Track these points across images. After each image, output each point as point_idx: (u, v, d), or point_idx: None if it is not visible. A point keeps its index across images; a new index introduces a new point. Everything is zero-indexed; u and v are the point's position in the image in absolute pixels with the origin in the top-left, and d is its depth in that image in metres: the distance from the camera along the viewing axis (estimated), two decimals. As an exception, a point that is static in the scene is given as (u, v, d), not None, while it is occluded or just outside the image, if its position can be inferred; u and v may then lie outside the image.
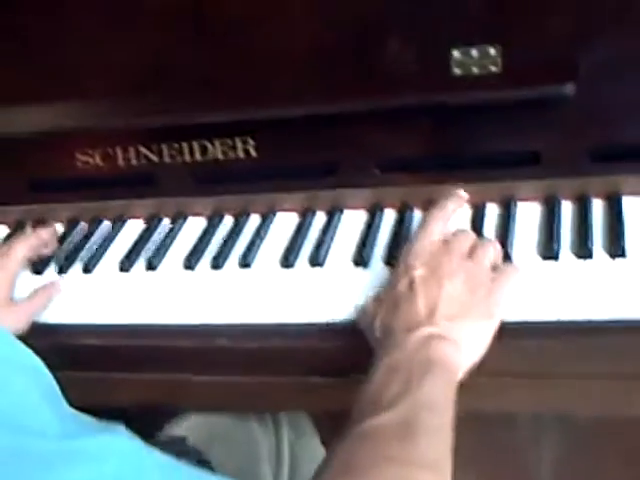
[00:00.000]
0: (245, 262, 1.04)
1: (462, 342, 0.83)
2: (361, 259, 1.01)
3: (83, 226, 1.19)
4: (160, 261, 1.08)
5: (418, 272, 0.88)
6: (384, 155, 1.07)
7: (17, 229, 1.20)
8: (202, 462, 1.05)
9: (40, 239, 1.11)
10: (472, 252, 0.91)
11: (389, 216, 1.08)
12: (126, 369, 1.02)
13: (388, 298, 0.89)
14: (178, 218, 1.16)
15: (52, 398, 0.62)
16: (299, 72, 1.06)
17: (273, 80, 1.07)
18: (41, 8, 1.11)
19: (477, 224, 1.02)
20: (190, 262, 1.06)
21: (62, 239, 1.17)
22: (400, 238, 1.03)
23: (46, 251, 1.13)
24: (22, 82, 1.14)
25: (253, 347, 0.97)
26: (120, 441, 0.59)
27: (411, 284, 0.88)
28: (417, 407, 0.76)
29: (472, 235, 0.95)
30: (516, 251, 0.97)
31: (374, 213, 1.08)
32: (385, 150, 1.07)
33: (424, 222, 0.98)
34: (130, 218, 1.18)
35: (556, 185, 1.03)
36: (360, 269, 1.00)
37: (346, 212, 1.10)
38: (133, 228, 1.17)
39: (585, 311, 0.88)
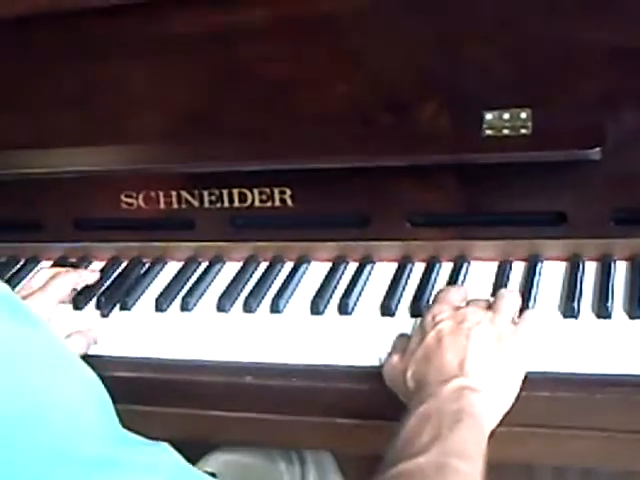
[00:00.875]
0: (276, 308, 1.08)
1: (493, 393, 0.86)
2: (388, 310, 1.04)
3: (124, 265, 1.24)
4: (195, 303, 1.13)
5: (445, 325, 0.91)
6: (415, 209, 1.11)
7: (60, 265, 1.25)
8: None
9: (80, 277, 1.16)
10: (494, 304, 0.95)
11: (418, 269, 1.12)
12: (158, 402, 1.06)
13: (418, 352, 0.91)
14: (215, 262, 1.20)
15: (106, 408, 0.64)
16: (337, 127, 1.12)
17: (312, 134, 1.12)
18: (96, 55, 1.18)
19: (501, 280, 1.06)
20: (223, 305, 1.10)
21: (102, 277, 1.22)
22: (427, 291, 1.07)
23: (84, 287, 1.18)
24: (73, 125, 1.20)
25: (279, 386, 1.00)
26: (170, 456, 0.62)
27: (439, 337, 0.90)
28: (448, 453, 0.78)
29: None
30: (538, 308, 1.00)
31: (404, 265, 1.12)
32: (416, 205, 1.11)
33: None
34: (170, 260, 1.23)
35: (581, 245, 1.06)
36: (387, 319, 1.04)
37: (377, 263, 1.14)
38: (171, 270, 1.22)
39: (602, 365, 0.90)
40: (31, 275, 1.22)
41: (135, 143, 1.18)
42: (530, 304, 1.00)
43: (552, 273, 1.06)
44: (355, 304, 1.07)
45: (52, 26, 1.16)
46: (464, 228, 1.10)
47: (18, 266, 1.29)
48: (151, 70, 1.17)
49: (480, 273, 1.09)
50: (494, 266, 1.09)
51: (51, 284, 1.12)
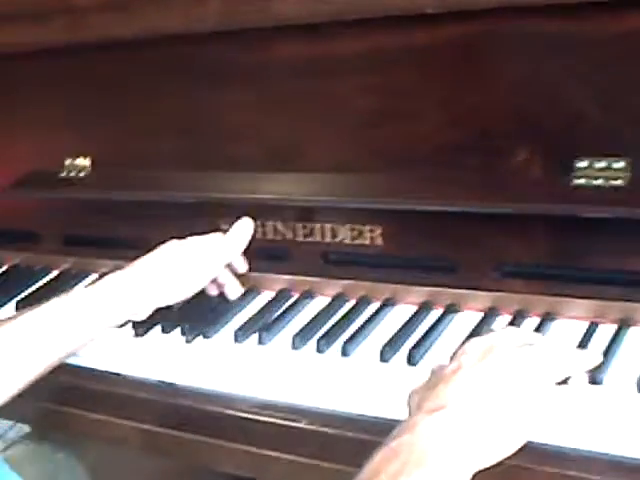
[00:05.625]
0: (345, 351, 1.05)
1: (483, 441, 0.76)
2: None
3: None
4: (271, 338, 1.11)
5: (468, 357, 0.83)
6: (503, 260, 1.05)
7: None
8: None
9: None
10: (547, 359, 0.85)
11: (502, 322, 1.05)
12: (220, 436, 1.05)
13: (433, 377, 0.85)
14: (305, 297, 1.18)
15: None
16: (429, 171, 1.07)
17: (404, 174, 1.08)
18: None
19: (586, 342, 0.97)
20: (296, 343, 1.08)
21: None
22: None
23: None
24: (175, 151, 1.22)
25: (334, 434, 0.97)
26: None
27: (457, 367, 0.83)
28: None
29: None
30: (610, 377, 0.91)
31: (488, 317, 1.05)
32: (505, 255, 1.05)
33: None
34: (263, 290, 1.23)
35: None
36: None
37: (462, 313, 1.08)
38: (262, 300, 1.21)
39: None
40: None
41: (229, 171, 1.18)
42: (603, 372, 0.91)
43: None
44: (424, 354, 1.01)
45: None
46: (553, 282, 1.02)
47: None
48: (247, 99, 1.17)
49: (566, 332, 1.00)
50: (582, 326, 1.01)
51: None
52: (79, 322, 1.03)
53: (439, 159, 1.06)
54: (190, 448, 1.07)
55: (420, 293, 1.11)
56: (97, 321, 1.05)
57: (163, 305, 1.12)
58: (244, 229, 1.17)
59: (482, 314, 1.06)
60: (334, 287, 1.17)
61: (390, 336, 1.05)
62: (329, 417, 0.97)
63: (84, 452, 1.29)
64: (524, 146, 1.00)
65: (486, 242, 1.05)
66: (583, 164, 0.96)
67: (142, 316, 1.10)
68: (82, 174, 1.30)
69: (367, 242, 1.12)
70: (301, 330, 1.10)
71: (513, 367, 0.82)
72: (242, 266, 1.20)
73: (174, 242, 1.14)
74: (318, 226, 1.15)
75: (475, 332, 1.02)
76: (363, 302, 1.14)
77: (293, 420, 0.98)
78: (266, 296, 1.21)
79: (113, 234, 1.31)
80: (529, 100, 1.01)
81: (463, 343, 0.98)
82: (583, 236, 0.99)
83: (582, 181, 0.96)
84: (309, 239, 1.16)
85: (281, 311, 1.16)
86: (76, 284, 1.32)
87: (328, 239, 1.15)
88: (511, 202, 1.01)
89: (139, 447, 1.11)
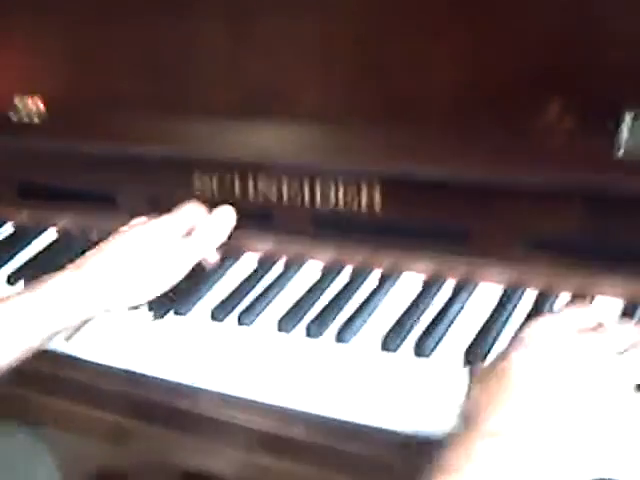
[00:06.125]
0: (341, 338, 0.89)
1: (543, 471, 0.62)
2: (475, 355, 0.83)
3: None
4: (253, 319, 0.95)
5: (519, 352, 0.68)
6: (530, 230, 0.88)
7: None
8: None
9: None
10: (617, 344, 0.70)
11: (528, 298, 0.90)
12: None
13: (482, 377, 0.70)
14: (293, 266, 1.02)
15: None
16: (437, 127, 0.90)
17: (409, 129, 0.91)
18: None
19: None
20: (284, 325, 0.93)
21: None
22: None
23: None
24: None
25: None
26: None
27: (505, 366, 0.68)
28: None
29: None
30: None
31: (510, 293, 0.90)
32: (531, 225, 0.88)
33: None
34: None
35: None
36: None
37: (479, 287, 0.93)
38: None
39: None
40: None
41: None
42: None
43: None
44: (437, 344, 0.86)
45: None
46: (587, 259, 0.86)
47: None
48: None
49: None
50: (617, 304, 0.85)
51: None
52: (19, 331, 0.86)
53: (451, 113, 0.89)
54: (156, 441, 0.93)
55: (429, 263, 0.95)
56: (39, 330, 0.87)
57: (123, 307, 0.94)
58: (223, 220, 0.98)
59: (502, 290, 0.91)
60: (324, 255, 1.01)
61: (394, 318, 0.90)
62: (323, 424, 0.82)
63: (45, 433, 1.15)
64: (556, 100, 0.83)
65: (510, 210, 0.88)
66: (628, 122, 0.79)
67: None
68: (35, 118, 1.12)
69: (363, 205, 0.96)
70: (290, 310, 0.94)
71: (586, 375, 0.66)
72: (213, 257, 1.01)
73: (138, 231, 0.93)
74: (307, 186, 0.99)
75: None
76: (360, 274, 0.98)
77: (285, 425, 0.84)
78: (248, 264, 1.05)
79: (74, 185, 1.13)
80: (562, 40, 0.83)
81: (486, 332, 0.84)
82: (623, 210, 0.82)
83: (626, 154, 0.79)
84: (297, 201, 1.00)
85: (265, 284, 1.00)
86: (33, 239, 1.17)
87: (318, 201, 0.99)
88: (536, 172, 0.84)
89: (103, 437, 0.97)
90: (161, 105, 1.04)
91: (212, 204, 1.01)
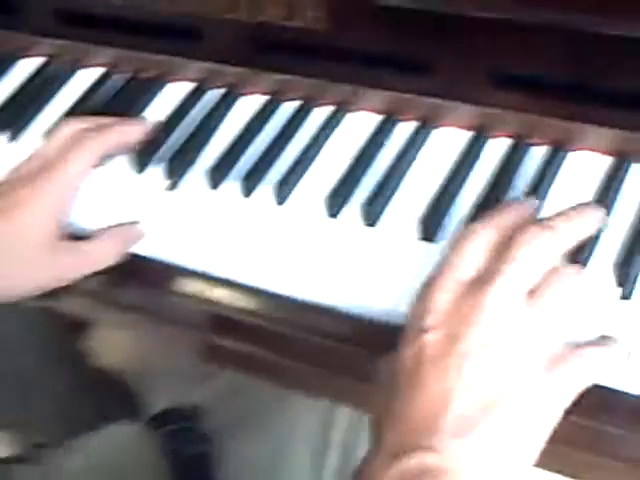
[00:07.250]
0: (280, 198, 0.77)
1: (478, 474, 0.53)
2: (429, 230, 0.70)
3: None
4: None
5: (432, 338, 0.56)
6: (500, 64, 0.73)
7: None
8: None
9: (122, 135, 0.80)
10: (540, 287, 0.58)
11: (493, 147, 0.76)
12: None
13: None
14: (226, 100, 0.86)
15: None
16: None
17: None
18: None
19: (610, 191, 0.69)
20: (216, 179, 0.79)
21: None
22: (501, 190, 0.72)
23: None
24: None
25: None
26: None
27: (417, 360, 0.55)
28: None
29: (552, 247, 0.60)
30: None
31: (474, 141, 0.76)
32: (502, 58, 0.73)
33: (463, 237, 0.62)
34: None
35: None
36: (427, 244, 0.70)
37: (438, 130, 0.79)
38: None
39: None
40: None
41: None
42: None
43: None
44: (383, 208, 0.74)
45: None
46: (570, 102, 0.72)
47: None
48: None
49: (584, 166, 0.73)
50: (606, 161, 0.72)
51: (68, 159, 0.76)
52: None
53: None
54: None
55: (382, 98, 0.80)
56: None
57: None
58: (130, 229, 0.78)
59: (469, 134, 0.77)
60: (263, 84, 0.86)
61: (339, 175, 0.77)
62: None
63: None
64: None
65: (476, 43, 0.72)
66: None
67: None
68: None
69: (304, 24, 0.79)
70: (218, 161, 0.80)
71: (511, 332, 0.55)
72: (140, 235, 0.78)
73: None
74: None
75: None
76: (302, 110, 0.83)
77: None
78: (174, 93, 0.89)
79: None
80: None
81: (444, 196, 0.72)
82: (615, 47, 0.67)
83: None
84: (229, 15, 0.82)
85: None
86: (62, 84, 0.93)
87: (253, 16, 0.81)
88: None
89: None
90: None
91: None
